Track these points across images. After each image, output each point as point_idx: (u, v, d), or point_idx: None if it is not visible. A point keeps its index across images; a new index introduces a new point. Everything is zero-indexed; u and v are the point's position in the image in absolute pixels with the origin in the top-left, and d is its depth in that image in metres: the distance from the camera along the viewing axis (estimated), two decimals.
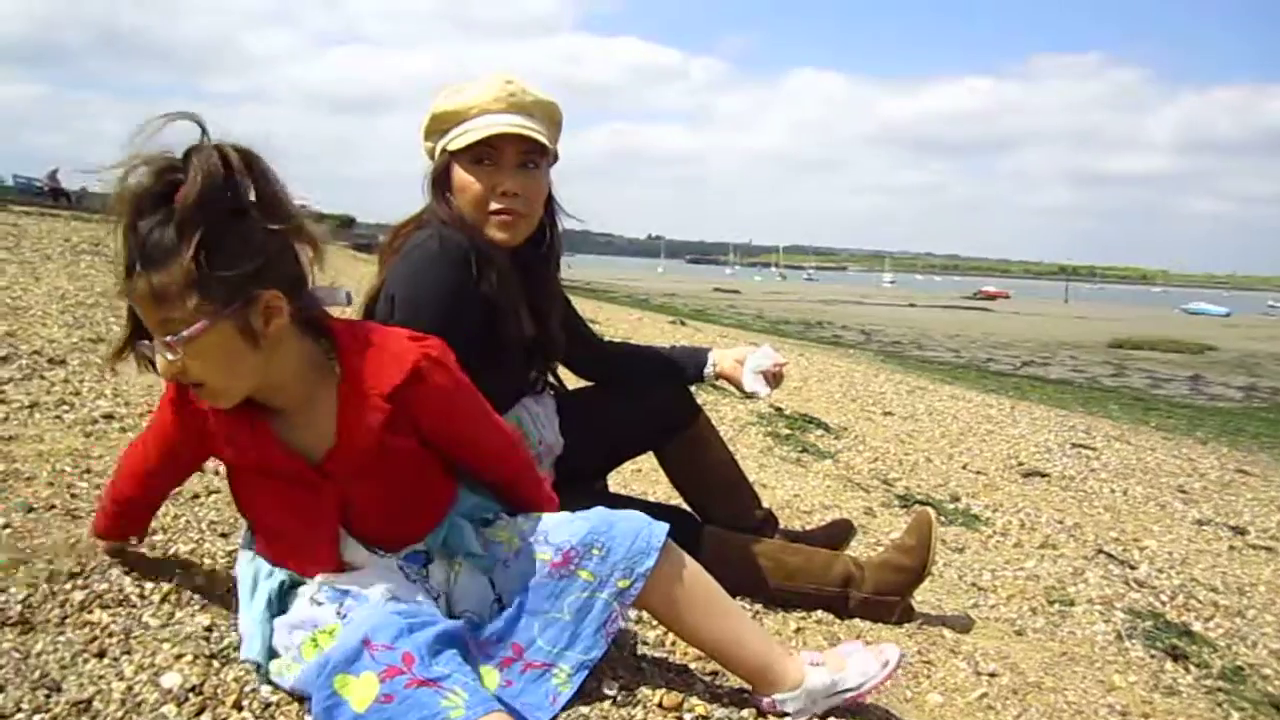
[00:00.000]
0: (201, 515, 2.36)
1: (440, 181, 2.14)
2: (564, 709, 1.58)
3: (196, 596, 1.91)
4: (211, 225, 1.38)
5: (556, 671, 1.62)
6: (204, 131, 1.42)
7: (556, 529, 1.71)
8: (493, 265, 2.06)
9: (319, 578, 1.59)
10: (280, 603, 1.62)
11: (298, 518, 1.63)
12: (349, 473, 1.60)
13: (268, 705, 1.53)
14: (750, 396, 2.46)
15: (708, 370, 2.45)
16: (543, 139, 2.07)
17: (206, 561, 2.06)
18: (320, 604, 1.55)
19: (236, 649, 1.66)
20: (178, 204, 1.37)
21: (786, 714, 1.74)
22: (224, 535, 2.25)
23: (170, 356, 1.43)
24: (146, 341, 1.47)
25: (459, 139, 2.08)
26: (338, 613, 1.53)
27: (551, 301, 2.29)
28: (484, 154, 2.08)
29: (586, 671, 1.63)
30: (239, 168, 1.42)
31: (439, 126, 2.13)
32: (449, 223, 2.09)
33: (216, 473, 2.76)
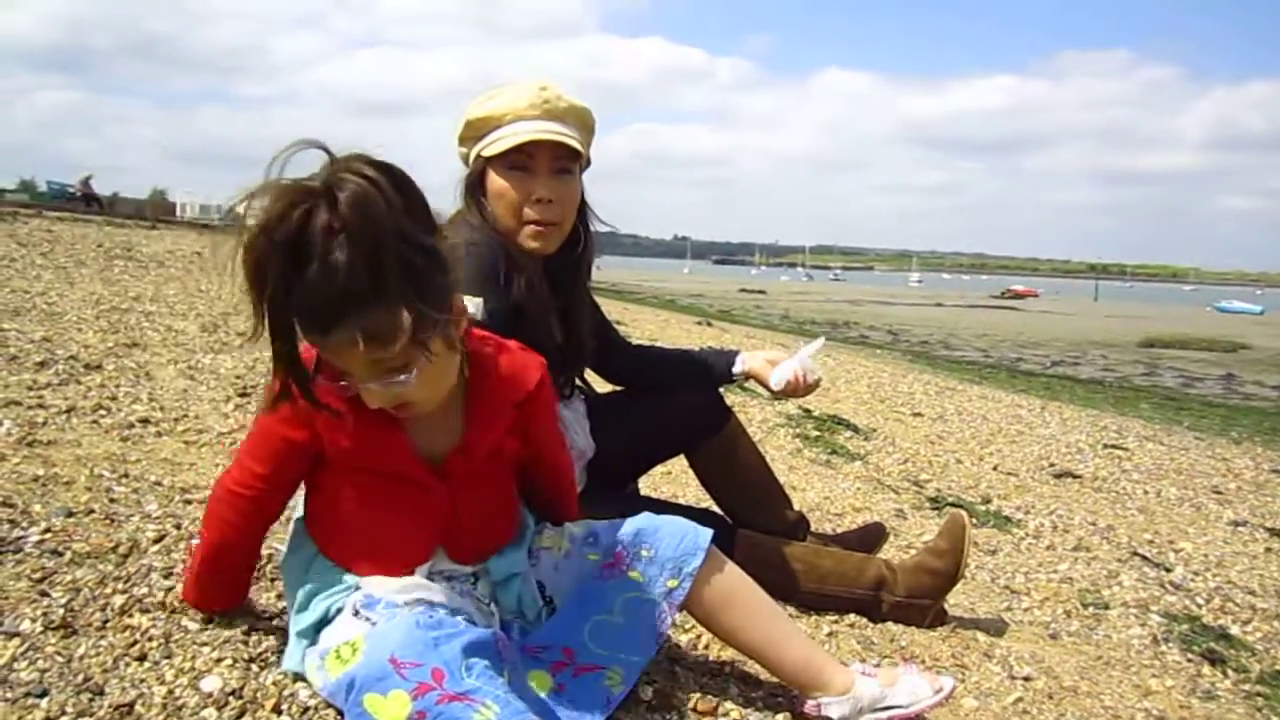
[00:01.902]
0: None
1: (475, 187, 2.15)
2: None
3: None
4: (399, 252, 1.30)
5: (609, 673, 1.62)
6: (331, 157, 1.34)
7: (605, 532, 1.73)
8: (522, 272, 2.07)
9: (362, 588, 1.58)
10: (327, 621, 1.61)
11: (402, 517, 1.61)
12: (463, 477, 1.62)
13: (306, 709, 1.54)
14: (777, 396, 2.45)
15: (736, 370, 2.45)
16: (577, 145, 2.09)
17: None
18: (359, 616, 1.53)
19: (275, 654, 1.68)
20: (353, 238, 1.27)
21: (829, 719, 1.73)
22: None
23: (399, 391, 1.42)
24: (341, 383, 1.43)
25: (494, 144, 2.09)
26: (366, 619, 1.51)
27: (581, 308, 2.30)
28: (519, 160, 2.09)
29: (639, 672, 1.65)
30: (387, 185, 1.31)
31: (474, 132, 2.14)
32: (480, 228, 2.10)
33: None
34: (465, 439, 1.60)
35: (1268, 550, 4.16)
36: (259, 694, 1.55)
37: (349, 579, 1.61)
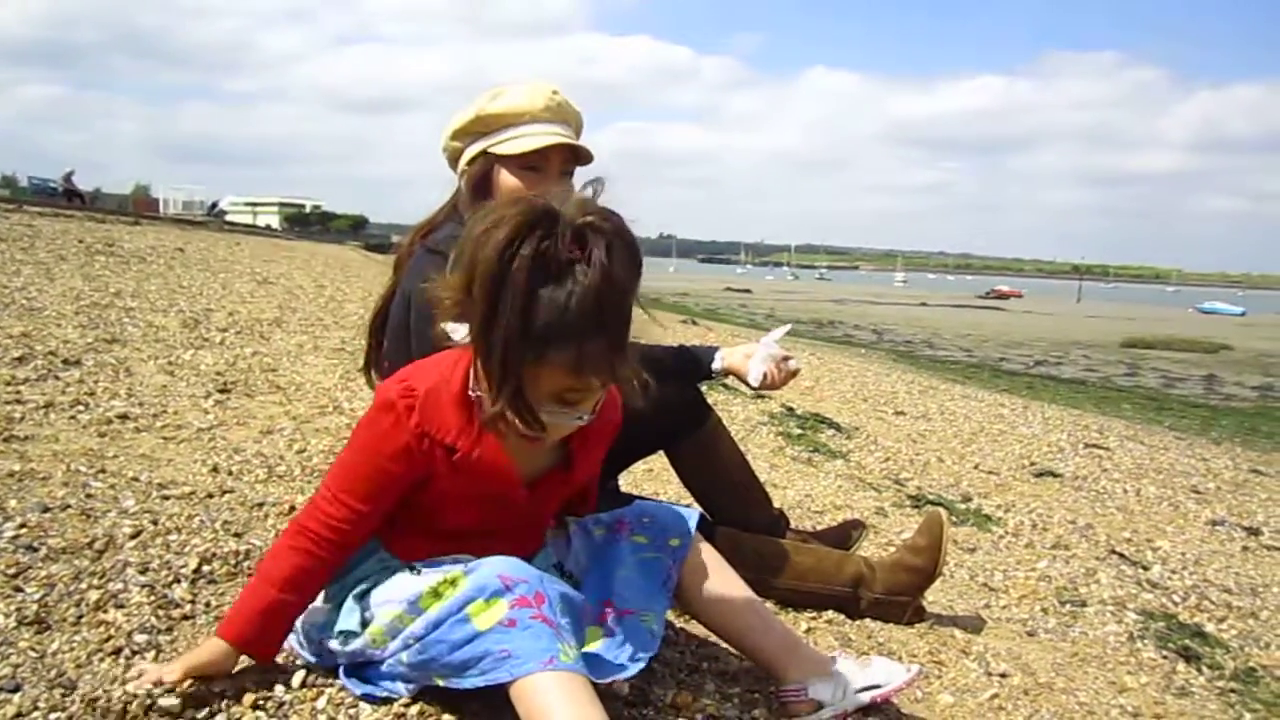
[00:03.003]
0: (215, 515, 2.38)
1: (481, 183, 2.15)
2: None
3: (211, 596, 1.93)
4: (631, 300, 1.40)
5: (644, 616, 1.69)
6: (594, 194, 1.43)
7: (604, 515, 1.84)
8: None
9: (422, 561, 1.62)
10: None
11: (487, 529, 1.65)
12: (547, 496, 1.70)
13: (282, 705, 1.54)
14: (757, 391, 2.46)
15: (716, 366, 2.45)
16: (590, 152, 2.14)
17: (218, 563, 2.07)
18: (420, 573, 1.58)
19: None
20: (606, 272, 1.34)
21: (819, 703, 1.76)
22: (237, 535, 2.27)
23: (590, 418, 1.50)
24: (556, 408, 1.45)
25: (510, 144, 2.10)
26: (446, 571, 1.54)
27: None
28: (534, 161, 2.11)
29: (662, 621, 1.72)
30: (634, 241, 1.40)
31: (483, 127, 2.13)
32: None
33: (230, 473, 2.78)
34: (575, 468, 1.69)
35: (1244, 549, 4.19)
36: (235, 690, 1.55)
37: (392, 562, 1.64)
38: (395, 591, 1.57)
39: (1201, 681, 2.56)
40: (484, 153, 2.14)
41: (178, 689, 1.50)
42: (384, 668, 1.57)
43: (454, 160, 2.22)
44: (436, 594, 1.51)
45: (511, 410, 1.41)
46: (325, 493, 1.55)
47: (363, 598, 1.61)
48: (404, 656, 1.52)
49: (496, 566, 1.49)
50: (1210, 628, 3.00)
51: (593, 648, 1.59)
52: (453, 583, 1.50)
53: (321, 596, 1.66)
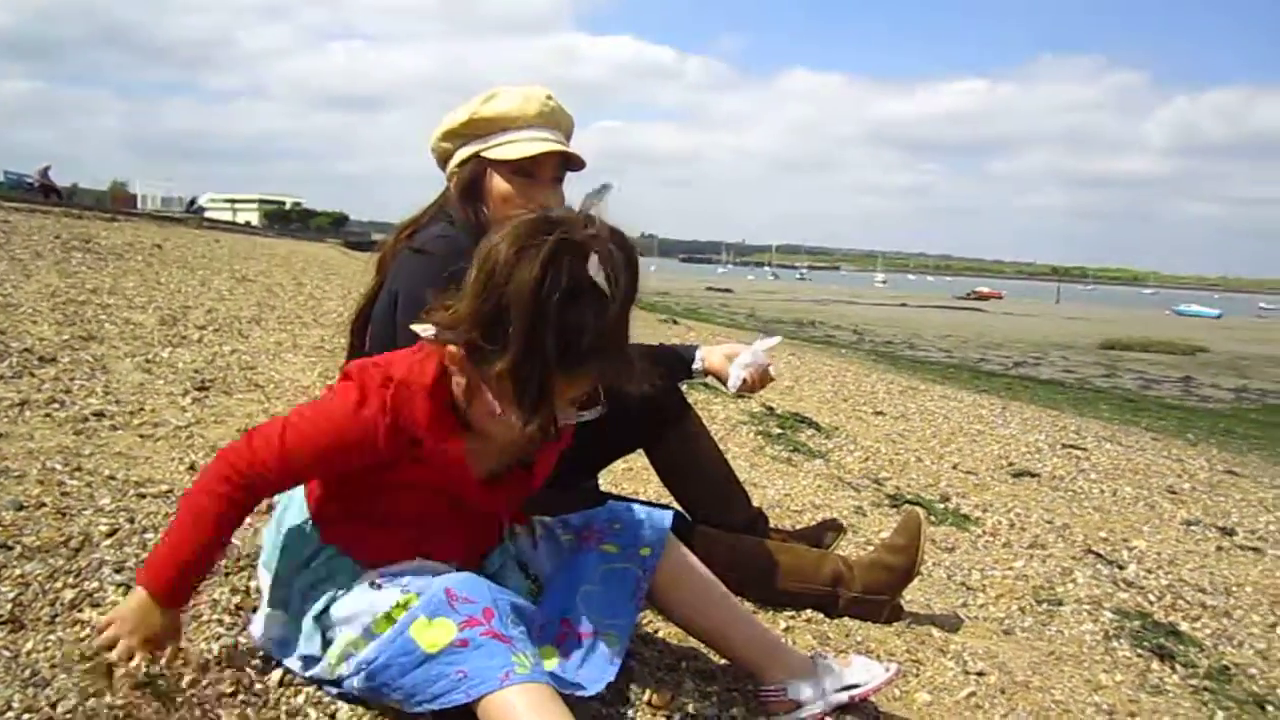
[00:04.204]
0: None
1: (471, 187, 2.14)
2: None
3: None
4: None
5: (606, 637, 1.68)
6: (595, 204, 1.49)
7: (575, 518, 1.84)
8: None
9: (379, 571, 1.60)
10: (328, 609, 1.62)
11: (441, 524, 1.66)
12: (507, 495, 1.70)
13: (261, 702, 1.54)
14: (737, 395, 2.47)
15: (696, 366, 2.45)
16: (583, 160, 2.15)
17: None
18: (380, 587, 1.57)
19: (224, 647, 1.67)
20: (624, 289, 1.42)
21: (799, 703, 1.78)
22: None
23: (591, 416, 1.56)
24: (570, 411, 1.52)
25: (503, 149, 2.10)
26: (404, 588, 1.54)
27: None
28: (527, 167, 2.12)
29: (628, 636, 1.71)
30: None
31: (476, 130, 2.13)
32: (464, 226, 2.10)
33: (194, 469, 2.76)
34: (537, 468, 1.70)
35: (1219, 549, 4.22)
36: (214, 688, 1.54)
37: (355, 570, 1.62)
38: (353, 609, 1.56)
39: (1175, 680, 2.58)
40: (476, 156, 2.13)
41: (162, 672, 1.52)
42: (342, 688, 1.56)
43: (443, 161, 2.21)
44: (389, 619, 1.50)
45: (541, 426, 1.46)
46: (272, 443, 1.51)
47: (321, 616, 1.60)
48: (355, 682, 1.52)
49: (445, 581, 1.48)
50: (1185, 627, 3.03)
51: (548, 667, 1.56)
52: (404, 606, 1.49)
53: (273, 603, 1.66)
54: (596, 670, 1.61)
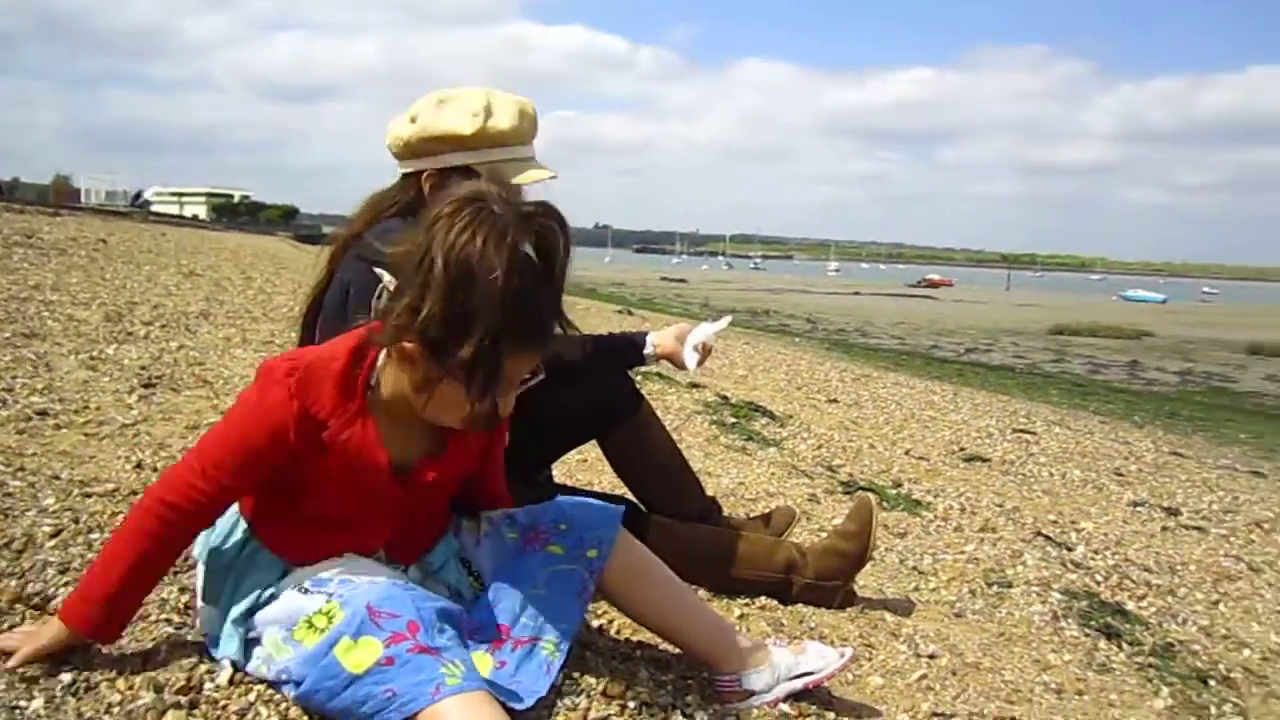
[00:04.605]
0: None
1: (443, 189, 2.13)
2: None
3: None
4: None
5: (544, 643, 1.66)
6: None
7: (521, 514, 1.80)
8: None
9: (307, 571, 1.59)
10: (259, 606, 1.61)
11: (361, 517, 1.64)
12: (425, 486, 1.65)
13: (212, 702, 1.52)
14: (686, 370, 2.49)
15: (648, 351, 2.46)
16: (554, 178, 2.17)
17: None
18: (308, 592, 1.55)
19: (169, 649, 1.65)
20: (564, 273, 1.47)
21: (753, 691, 1.80)
22: None
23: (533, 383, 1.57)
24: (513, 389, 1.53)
25: (499, 170, 2.09)
26: (329, 595, 1.52)
27: None
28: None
29: (570, 640, 1.69)
30: None
31: (475, 144, 2.11)
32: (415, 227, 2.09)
33: (155, 469, 2.73)
34: (447, 457, 1.66)
35: (1164, 529, 4.31)
36: (165, 688, 1.52)
37: (284, 566, 1.61)
38: (278, 614, 1.55)
39: (1122, 658, 2.63)
40: (466, 168, 2.11)
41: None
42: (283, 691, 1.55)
43: (412, 156, 2.17)
44: (311, 625, 1.49)
45: (494, 405, 1.47)
46: (193, 466, 1.51)
47: (243, 618, 1.58)
48: (287, 691, 1.51)
49: (368, 596, 1.46)
50: (1131, 605, 3.09)
51: (480, 672, 1.53)
52: (328, 615, 1.47)
53: (207, 598, 1.65)
54: (530, 680, 1.59)
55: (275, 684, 1.55)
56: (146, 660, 1.61)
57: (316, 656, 1.44)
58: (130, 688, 1.52)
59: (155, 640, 1.68)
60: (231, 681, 1.57)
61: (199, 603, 1.69)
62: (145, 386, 3.79)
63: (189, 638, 1.70)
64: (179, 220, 35.33)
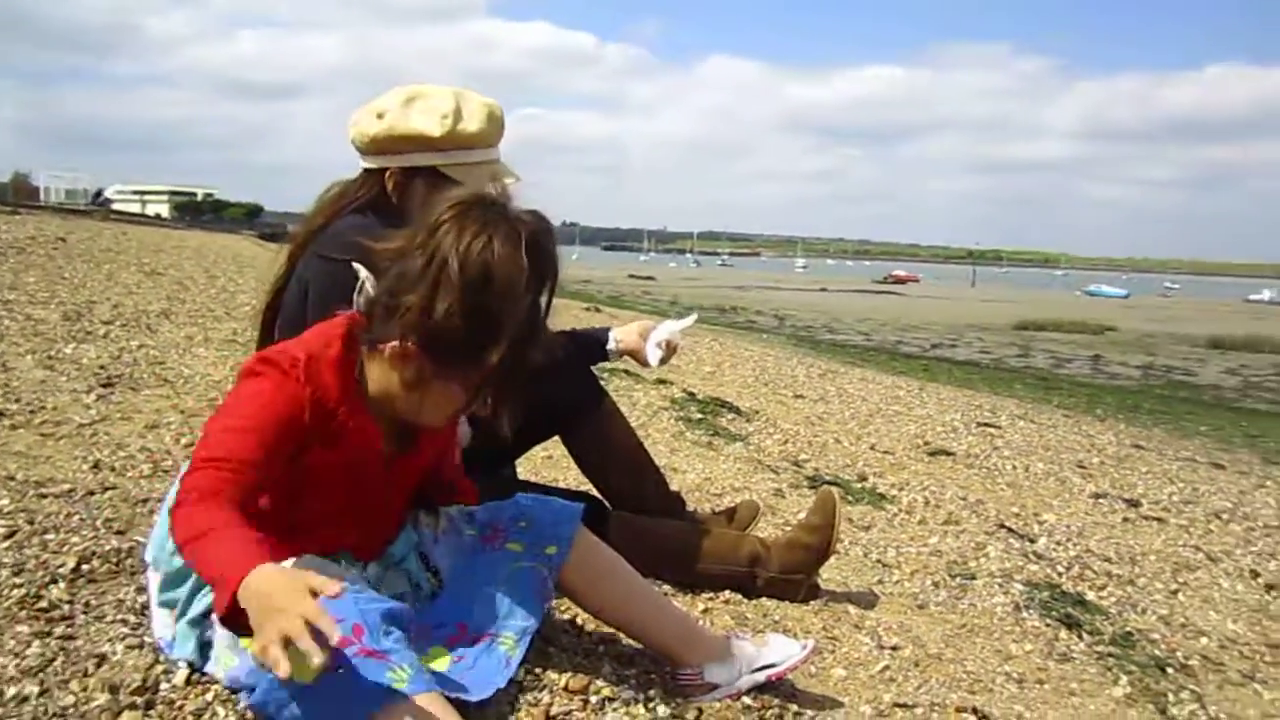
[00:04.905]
0: (96, 513, 2.30)
1: (407, 190, 2.10)
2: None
3: (90, 595, 1.86)
4: None
5: (503, 639, 1.65)
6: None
7: (480, 512, 1.80)
8: None
9: None
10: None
11: (337, 508, 1.61)
12: (405, 475, 1.67)
13: (169, 704, 1.50)
14: (649, 366, 2.49)
15: (611, 347, 2.46)
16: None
17: (98, 561, 2.01)
18: None
19: (133, 646, 1.63)
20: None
21: (716, 685, 1.81)
22: (119, 532, 2.20)
23: None
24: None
25: (466, 172, 2.08)
26: None
27: None
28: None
29: (530, 637, 1.68)
30: None
31: (444, 145, 2.09)
32: (374, 225, 2.06)
33: (113, 469, 2.70)
34: (420, 450, 1.66)
35: (1125, 520, 4.36)
36: (121, 691, 1.50)
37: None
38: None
39: (1082, 647, 2.66)
40: (433, 169, 2.09)
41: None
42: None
43: (377, 152, 2.14)
44: None
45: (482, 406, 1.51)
46: (224, 443, 1.40)
47: (200, 622, 1.55)
48: (241, 696, 1.48)
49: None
50: (1091, 595, 3.12)
51: (436, 668, 1.53)
52: None
53: (162, 603, 1.62)
54: (487, 674, 1.58)
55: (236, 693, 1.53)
56: (102, 661, 1.59)
57: (258, 664, 1.41)
58: (85, 689, 1.50)
59: (111, 641, 1.66)
60: (188, 681, 1.55)
61: (154, 605, 1.66)
62: (104, 386, 3.74)
63: (146, 639, 1.68)
64: (141, 219, 34.88)
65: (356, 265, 1.74)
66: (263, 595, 1.21)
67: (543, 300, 1.47)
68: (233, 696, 1.53)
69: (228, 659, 1.51)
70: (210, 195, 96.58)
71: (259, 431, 1.43)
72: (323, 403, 1.49)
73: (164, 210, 71.48)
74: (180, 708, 1.50)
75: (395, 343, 1.45)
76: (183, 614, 1.59)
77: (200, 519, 1.32)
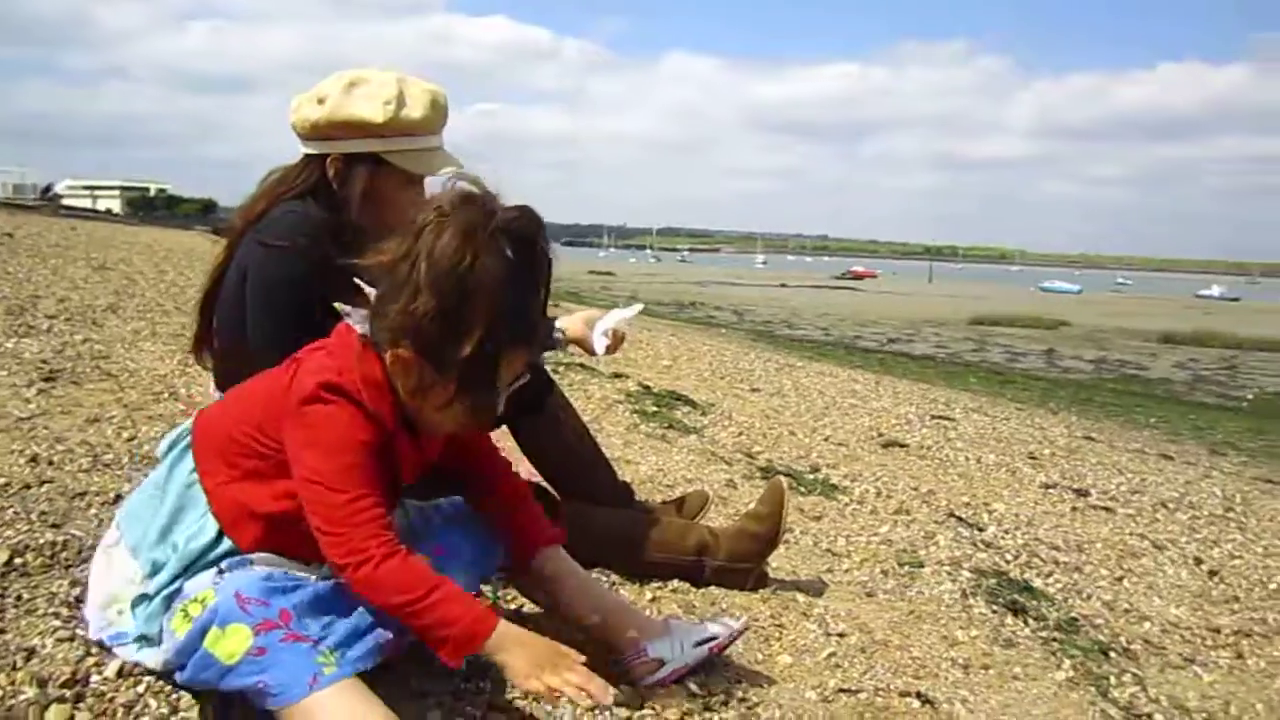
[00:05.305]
0: (32, 506, 2.26)
1: (348, 177, 2.07)
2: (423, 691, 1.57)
3: (23, 589, 1.83)
4: None
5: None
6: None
7: (439, 504, 1.85)
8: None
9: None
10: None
11: None
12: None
13: (100, 695, 1.48)
14: (595, 355, 2.47)
15: (556, 337, 2.44)
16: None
17: (31, 555, 1.97)
18: (221, 574, 1.50)
19: (65, 640, 1.60)
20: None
21: (662, 660, 1.82)
22: (55, 525, 2.16)
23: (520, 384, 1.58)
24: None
25: (418, 161, 2.09)
26: (213, 580, 1.48)
27: None
28: (419, 177, 2.11)
29: (478, 581, 1.85)
30: None
31: (385, 132, 2.05)
32: (316, 212, 2.03)
33: (51, 463, 2.65)
34: (428, 453, 1.68)
35: (1074, 509, 4.41)
36: (35, 682, 1.47)
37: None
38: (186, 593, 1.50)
39: (1027, 633, 2.69)
40: (374, 156, 2.07)
41: None
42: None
43: (318, 138, 2.10)
44: (185, 614, 1.44)
45: (487, 410, 1.54)
46: (337, 509, 1.44)
47: (167, 606, 1.52)
48: (178, 677, 1.47)
49: (237, 583, 1.42)
50: (1038, 582, 3.15)
51: None
52: (201, 602, 1.43)
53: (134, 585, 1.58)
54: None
55: (164, 674, 1.50)
56: (31, 655, 1.56)
57: (188, 647, 1.40)
58: (12, 683, 1.48)
59: (42, 634, 1.63)
60: (119, 674, 1.53)
61: (114, 590, 1.60)
62: (45, 380, 3.67)
63: (78, 632, 1.65)
64: (91, 214, 34.33)
65: (359, 282, 1.72)
66: (526, 647, 1.49)
67: (526, 295, 1.48)
68: (165, 688, 1.51)
69: (167, 641, 1.48)
70: (163, 191, 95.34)
71: (360, 460, 1.47)
72: (385, 428, 1.52)
73: (116, 206, 70.45)
74: (110, 700, 1.48)
75: (391, 351, 1.46)
76: (152, 597, 1.54)
77: (415, 576, 1.45)
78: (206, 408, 1.72)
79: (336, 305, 1.59)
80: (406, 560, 1.45)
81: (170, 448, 1.65)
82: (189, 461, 1.59)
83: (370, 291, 1.53)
